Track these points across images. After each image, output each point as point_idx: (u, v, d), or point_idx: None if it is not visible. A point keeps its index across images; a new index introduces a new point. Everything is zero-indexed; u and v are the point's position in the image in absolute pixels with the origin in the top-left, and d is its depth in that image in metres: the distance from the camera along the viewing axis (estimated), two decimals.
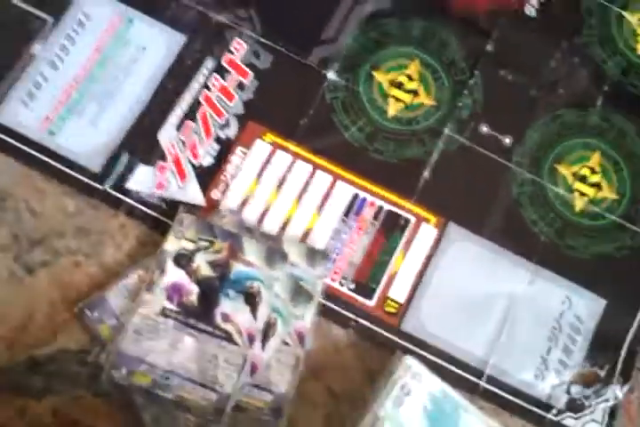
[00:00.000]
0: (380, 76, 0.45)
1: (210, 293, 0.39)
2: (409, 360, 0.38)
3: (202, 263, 0.39)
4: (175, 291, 0.39)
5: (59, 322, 0.40)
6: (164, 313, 0.38)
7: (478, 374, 0.41)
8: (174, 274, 0.39)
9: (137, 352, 0.37)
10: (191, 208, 0.41)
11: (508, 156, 0.45)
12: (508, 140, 0.45)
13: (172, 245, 0.39)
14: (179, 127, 0.43)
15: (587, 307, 0.42)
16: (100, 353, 0.38)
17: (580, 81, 0.46)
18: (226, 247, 0.39)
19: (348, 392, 0.40)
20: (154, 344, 0.38)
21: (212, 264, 0.39)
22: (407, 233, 0.43)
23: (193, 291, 0.39)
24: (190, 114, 0.43)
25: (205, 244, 0.39)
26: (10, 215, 0.41)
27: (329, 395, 0.40)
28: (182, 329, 0.38)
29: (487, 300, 0.42)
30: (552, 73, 0.46)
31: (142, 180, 0.42)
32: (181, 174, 0.42)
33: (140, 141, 0.42)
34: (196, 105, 0.43)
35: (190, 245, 0.39)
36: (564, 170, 0.45)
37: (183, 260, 0.39)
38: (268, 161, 0.43)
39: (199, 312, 0.38)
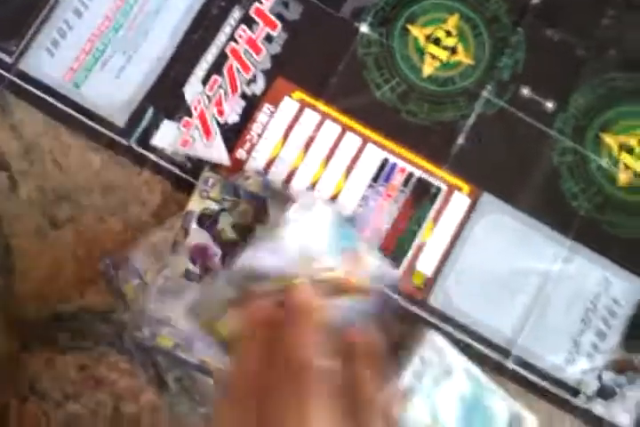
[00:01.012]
0: (415, 31, 0.42)
1: (233, 256, 0.38)
2: (432, 335, 0.37)
3: (226, 226, 0.38)
4: (198, 253, 0.38)
5: (84, 279, 0.40)
6: (188, 276, 0.38)
7: (505, 353, 0.40)
8: (198, 235, 0.38)
9: (160, 314, 0.37)
10: (215, 167, 0.40)
11: (550, 122, 0.42)
12: (550, 105, 0.42)
13: (196, 204, 0.38)
14: (204, 81, 0.41)
15: (625, 289, 0.40)
16: (125, 312, 0.38)
17: (634, 42, 0.42)
18: (250, 209, 0.39)
19: None
20: (177, 307, 0.37)
21: (236, 227, 0.38)
22: (438, 202, 0.41)
23: (216, 254, 0.38)
24: (216, 67, 0.41)
25: (230, 205, 0.39)
26: (36, 168, 0.41)
27: None
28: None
29: (519, 276, 0.41)
30: (603, 32, 0.42)
31: (167, 136, 0.41)
32: (207, 132, 0.41)
33: (166, 95, 0.41)
34: (222, 58, 0.41)
35: (214, 206, 0.38)
36: (609, 140, 0.42)
37: (207, 221, 0.38)
38: (295, 120, 0.41)
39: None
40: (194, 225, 0.38)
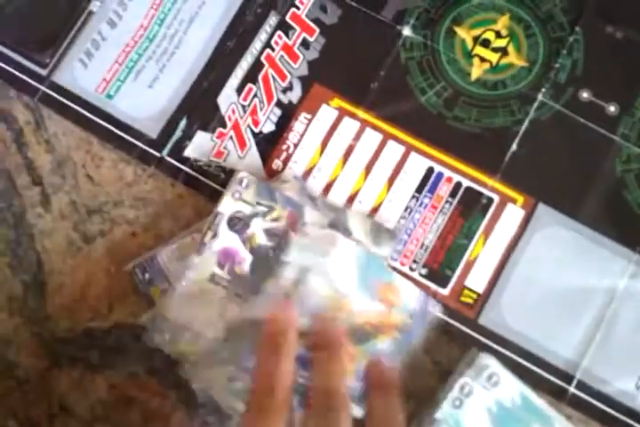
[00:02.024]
0: (463, 33, 0.40)
1: (264, 263, 0.36)
2: (485, 359, 0.35)
3: (258, 230, 0.37)
4: (227, 257, 0.36)
5: (116, 293, 0.39)
6: (214, 280, 0.36)
7: (567, 378, 0.37)
8: (227, 238, 0.36)
9: (182, 319, 0.36)
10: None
11: (613, 127, 0.39)
12: (613, 109, 0.39)
13: (227, 206, 0.37)
14: (239, 91, 0.40)
15: None
16: (151, 317, 0.37)
17: None
18: (285, 215, 0.37)
19: (417, 390, 0.37)
20: (201, 312, 0.36)
21: (269, 232, 0.37)
22: (489, 214, 0.38)
23: (246, 259, 0.36)
24: (251, 76, 0.40)
25: (264, 209, 0.37)
26: (68, 182, 0.40)
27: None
28: (232, 299, 0.36)
29: (581, 294, 0.38)
30: None
31: (200, 147, 0.39)
32: (241, 142, 0.39)
33: (199, 106, 0.40)
34: (257, 66, 0.40)
35: (247, 209, 0.37)
36: None
37: (238, 224, 0.37)
38: (334, 128, 0.39)
39: (251, 283, 0.36)
40: (224, 227, 0.37)
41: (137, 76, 0.40)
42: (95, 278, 0.39)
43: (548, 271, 0.38)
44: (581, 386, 0.37)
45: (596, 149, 0.39)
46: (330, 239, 0.36)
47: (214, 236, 0.36)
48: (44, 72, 0.40)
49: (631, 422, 0.37)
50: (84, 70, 0.40)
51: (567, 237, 0.38)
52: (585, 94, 0.39)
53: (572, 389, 0.37)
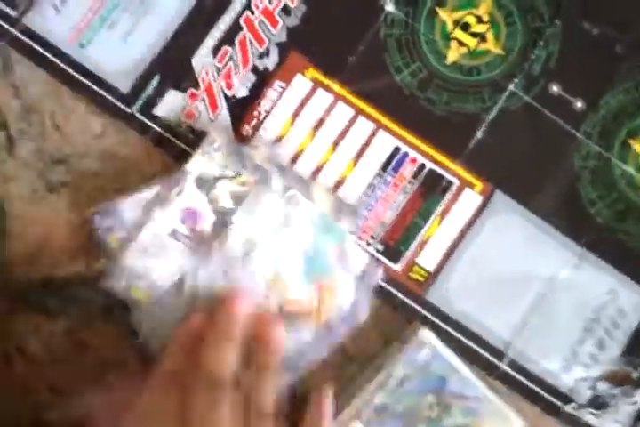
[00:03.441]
0: (444, 14, 0.40)
1: (223, 225, 0.37)
2: (426, 333, 0.37)
3: (223, 192, 0.37)
4: (190, 215, 0.37)
5: (76, 245, 0.39)
6: (175, 235, 0.37)
7: (500, 355, 0.39)
8: (193, 197, 0.37)
9: (138, 268, 0.37)
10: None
11: (577, 123, 0.40)
12: (579, 105, 0.40)
13: (196, 165, 0.37)
14: (215, 52, 0.39)
15: (633, 301, 0.39)
16: (107, 264, 0.38)
17: None
18: (252, 182, 0.37)
19: (359, 352, 0.39)
20: (157, 264, 0.37)
21: (234, 195, 0.37)
22: (448, 197, 0.39)
23: (208, 219, 0.37)
24: (228, 38, 0.39)
25: (231, 173, 0.37)
26: (35, 129, 0.40)
27: (340, 353, 0.39)
28: (189, 256, 0.37)
29: (524, 280, 0.39)
30: None
31: (171, 106, 0.39)
32: (213, 105, 0.39)
33: (173, 64, 0.39)
34: (235, 28, 0.39)
35: (216, 170, 0.37)
36: (638, 147, 0.40)
37: (205, 184, 0.37)
38: (307, 99, 0.39)
39: (208, 243, 0.37)
40: (190, 185, 0.37)
41: (111, 28, 0.39)
42: (57, 228, 0.39)
43: (496, 256, 0.39)
44: (512, 364, 0.39)
45: (558, 143, 0.40)
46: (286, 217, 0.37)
47: (180, 193, 0.37)
48: (14, 14, 0.39)
49: (552, 399, 0.39)
50: (56, 15, 0.39)
51: (518, 225, 0.39)
52: (555, 88, 0.40)
53: (503, 365, 0.39)
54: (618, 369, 0.39)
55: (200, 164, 0.37)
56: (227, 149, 0.37)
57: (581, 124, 0.40)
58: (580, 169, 0.40)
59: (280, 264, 0.37)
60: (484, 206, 0.39)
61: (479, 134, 0.40)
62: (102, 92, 0.39)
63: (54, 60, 0.39)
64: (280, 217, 0.38)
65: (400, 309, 0.39)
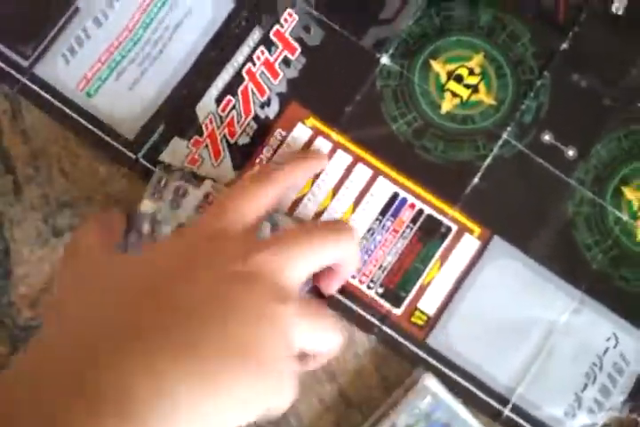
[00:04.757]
0: (438, 66, 0.41)
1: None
2: (428, 380, 0.36)
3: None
4: None
5: None
6: None
7: (503, 401, 0.39)
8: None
9: None
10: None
11: (570, 170, 0.41)
12: (571, 153, 0.41)
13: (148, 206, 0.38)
14: (218, 101, 0.40)
15: (634, 347, 0.39)
16: None
17: None
18: None
19: (362, 399, 0.39)
20: None
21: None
22: (447, 242, 0.40)
23: None
24: (231, 88, 0.40)
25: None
26: (42, 175, 0.40)
27: (342, 399, 0.39)
28: None
29: (525, 325, 0.39)
30: (632, 82, 0.41)
31: (175, 153, 0.40)
32: (216, 152, 0.40)
33: (178, 112, 0.40)
34: (238, 79, 0.41)
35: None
36: (630, 194, 0.41)
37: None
38: (307, 147, 0.40)
39: None
40: (146, 228, 0.37)
41: (119, 77, 0.41)
42: None
43: (495, 300, 0.39)
44: (516, 410, 0.39)
45: (551, 190, 0.41)
46: None
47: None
48: (25, 63, 0.40)
49: None
50: (65, 66, 0.40)
51: (517, 270, 0.39)
52: (547, 137, 0.41)
53: (506, 411, 0.39)
54: (624, 416, 0.39)
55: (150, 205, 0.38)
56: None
57: (574, 171, 0.41)
58: (574, 215, 0.40)
59: None
60: (482, 251, 0.40)
61: (475, 181, 0.40)
62: (108, 139, 0.40)
63: (62, 107, 0.40)
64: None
65: (402, 354, 0.39)
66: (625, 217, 0.41)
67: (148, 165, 0.40)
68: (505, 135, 0.41)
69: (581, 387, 0.39)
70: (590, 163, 0.41)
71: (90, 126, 0.40)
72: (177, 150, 0.40)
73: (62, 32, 0.41)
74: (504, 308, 0.39)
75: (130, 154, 0.40)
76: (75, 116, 0.40)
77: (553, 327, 0.39)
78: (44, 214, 0.40)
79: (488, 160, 0.41)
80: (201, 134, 0.40)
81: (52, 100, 0.40)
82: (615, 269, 0.40)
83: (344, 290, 0.39)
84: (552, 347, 0.39)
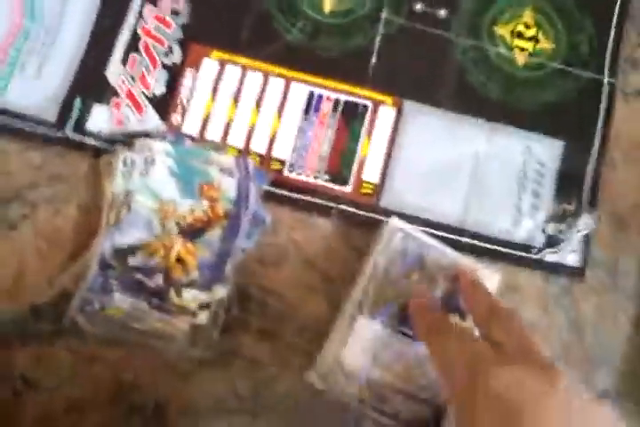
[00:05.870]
0: None
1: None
2: (394, 221, 0.40)
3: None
4: None
5: (52, 267, 0.40)
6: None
7: (460, 231, 0.43)
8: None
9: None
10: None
11: (447, 27, 0.46)
12: (443, 13, 0.46)
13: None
14: (124, 62, 0.43)
15: (546, 151, 0.45)
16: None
17: None
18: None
19: (343, 274, 0.42)
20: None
21: None
22: (367, 118, 0.44)
23: None
24: (132, 47, 0.43)
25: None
26: None
27: (326, 280, 0.42)
28: None
29: (454, 163, 0.44)
30: None
31: (101, 119, 0.42)
32: (138, 107, 0.42)
33: (90, 82, 0.42)
34: (135, 37, 0.43)
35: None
36: (501, 30, 0.46)
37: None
38: (219, 77, 0.43)
39: None
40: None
41: (22, 70, 0.42)
42: (29, 259, 0.40)
43: (424, 152, 0.44)
44: (472, 235, 0.43)
45: (438, 48, 0.46)
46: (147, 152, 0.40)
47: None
48: None
49: (515, 252, 0.44)
50: None
51: (433, 122, 0.44)
52: (418, 6, 0.46)
53: (465, 239, 0.43)
54: (557, 209, 0.44)
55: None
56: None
57: (450, 27, 0.46)
58: (462, 62, 0.46)
59: (157, 193, 0.40)
60: (399, 116, 0.44)
61: (373, 61, 0.45)
62: (31, 128, 0.41)
63: None
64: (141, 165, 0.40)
65: (363, 223, 0.42)
66: (503, 50, 0.46)
67: (79, 137, 0.41)
68: (384, 15, 0.46)
69: (517, 197, 0.44)
70: (461, 16, 0.46)
71: (10, 122, 0.41)
72: (101, 116, 0.42)
73: None
74: (433, 155, 0.44)
75: (57, 133, 0.41)
76: None
77: (477, 157, 0.44)
78: None
79: (378, 40, 0.45)
80: (118, 95, 0.42)
81: None
82: (509, 95, 0.45)
83: (297, 188, 0.43)
84: (482, 173, 0.44)
